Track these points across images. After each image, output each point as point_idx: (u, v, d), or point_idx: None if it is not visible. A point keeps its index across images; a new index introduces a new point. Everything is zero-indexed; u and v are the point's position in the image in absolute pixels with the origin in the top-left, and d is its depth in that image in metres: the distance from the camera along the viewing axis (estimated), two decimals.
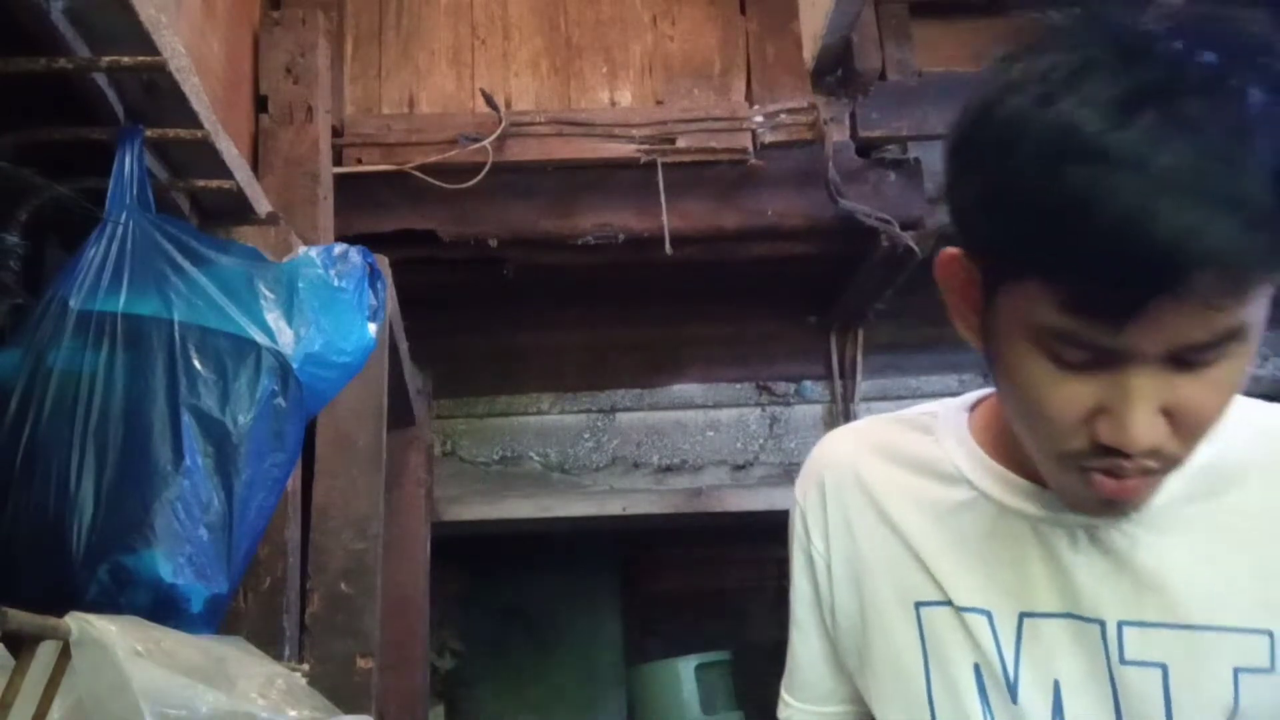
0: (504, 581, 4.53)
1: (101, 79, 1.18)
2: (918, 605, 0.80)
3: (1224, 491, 0.75)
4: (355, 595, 1.67)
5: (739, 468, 3.11)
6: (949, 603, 0.79)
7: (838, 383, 3.17)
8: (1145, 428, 0.63)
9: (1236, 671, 0.71)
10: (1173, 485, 0.73)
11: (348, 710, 1.07)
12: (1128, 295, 0.59)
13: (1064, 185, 0.58)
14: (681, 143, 2.36)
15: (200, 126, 1.28)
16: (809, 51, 2.40)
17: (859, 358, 3.15)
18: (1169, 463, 0.67)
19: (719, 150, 2.37)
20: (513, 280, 2.61)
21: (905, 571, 0.81)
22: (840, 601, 0.86)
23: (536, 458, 3.14)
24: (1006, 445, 0.79)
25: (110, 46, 1.14)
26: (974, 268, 0.70)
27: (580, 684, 4.58)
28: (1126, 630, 0.73)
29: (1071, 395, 0.65)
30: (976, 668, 0.77)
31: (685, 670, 3.97)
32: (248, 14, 1.89)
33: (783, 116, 2.38)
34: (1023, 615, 0.76)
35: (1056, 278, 0.61)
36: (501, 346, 3.16)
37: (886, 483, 0.85)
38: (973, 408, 0.85)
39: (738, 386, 3.19)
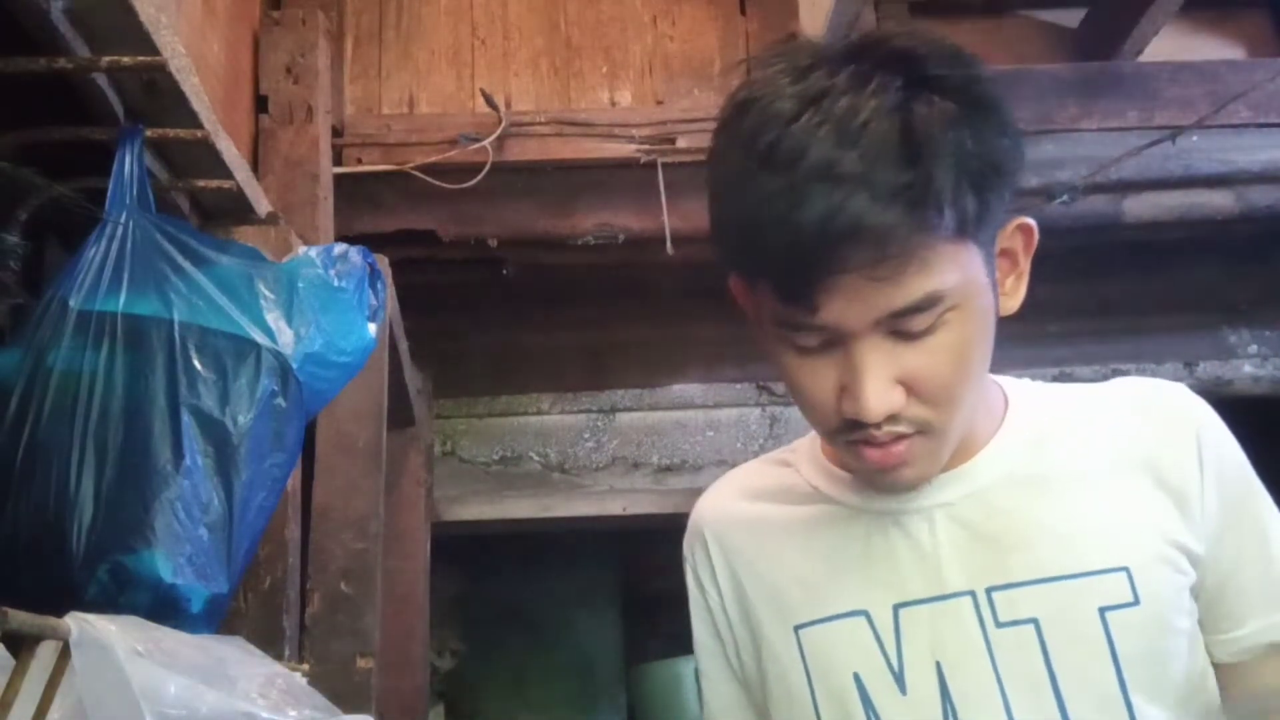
0: (504, 581, 4.52)
1: (101, 79, 1.18)
2: (796, 628, 0.83)
3: (1063, 448, 0.81)
4: (355, 595, 1.67)
5: None
6: (824, 618, 0.82)
7: None
8: (877, 397, 0.69)
9: (1102, 611, 0.76)
10: (1013, 453, 0.81)
11: (348, 710, 1.06)
12: (804, 277, 0.66)
13: (746, 192, 0.67)
14: (682, 143, 2.36)
15: (200, 126, 1.28)
16: None
17: None
18: (924, 427, 0.73)
19: None
20: (513, 280, 2.61)
21: (784, 597, 0.85)
22: (740, 640, 0.89)
23: (536, 458, 3.13)
24: None
25: (110, 46, 1.14)
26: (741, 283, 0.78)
27: (580, 684, 4.58)
28: (995, 595, 0.77)
29: (817, 377, 0.72)
30: (856, 676, 0.80)
31: (685, 670, 3.96)
32: (248, 14, 1.89)
33: None
34: (896, 607, 0.79)
35: (763, 274, 0.70)
36: (501, 346, 3.16)
37: (756, 519, 0.89)
38: None
39: (738, 386, 3.19)
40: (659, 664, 4.07)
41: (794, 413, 3.18)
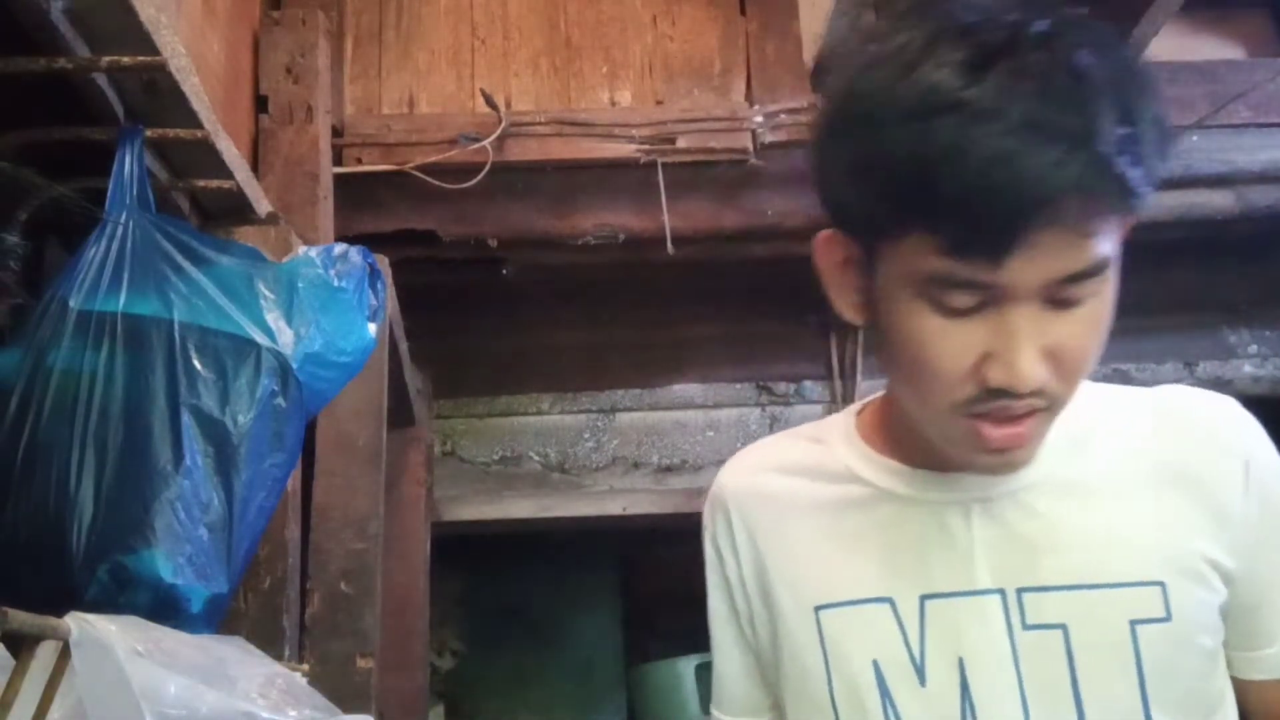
0: (504, 581, 4.52)
1: (101, 79, 1.18)
2: (817, 609, 0.82)
3: (1104, 453, 0.80)
4: (355, 595, 1.67)
5: None
6: (848, 601, 0.81)
7: (838, 383, 3.17)
8: (1031, 365, 0.67)
9: (1133, 624, 0.75)
10: (1054, 453, 0.78)
11: (348, 710, 1.07)
12: (1004, 229, 0.64)
13: (932, 138, 0.63)
14: (681, 143, 2.36)
15: (200, 126, 1.28)
16: (809, 52, 2.40)
17: (859, 358, 3.14)
18: (1053, 402, 0.71)
19: (719, 150, 2.37)
20: (513, 280, 2.61)
21: (805, 577, 0.84)
22: (756, 613, 0.88)
23: (536, 458, 3.13)
24: (893, 439, 0.84)
25: (110, 46, 1.14)
26: (850, 243, 0.74)
27: (580, 684, 4.58)
28: (1025, 596, 0.76)
29: (959, 343, 0.69)
30: (875, 664, 0.79)
31: (685, 670, 3.96)
32: (248, 14, 1.89)
33: (783, 116, 2.38)
34: (923, 598, 0.79)
35: (935, 225, 0.66)
36: (501, 346, 3.16)
37: (783, 494, 0.88)
38: (860, 412, 0.89)
39: (738, 386, 3.19)
40: (659, 664, 4.07)
41: (794, 413, 3.18)
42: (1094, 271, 0.67)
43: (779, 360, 3.20)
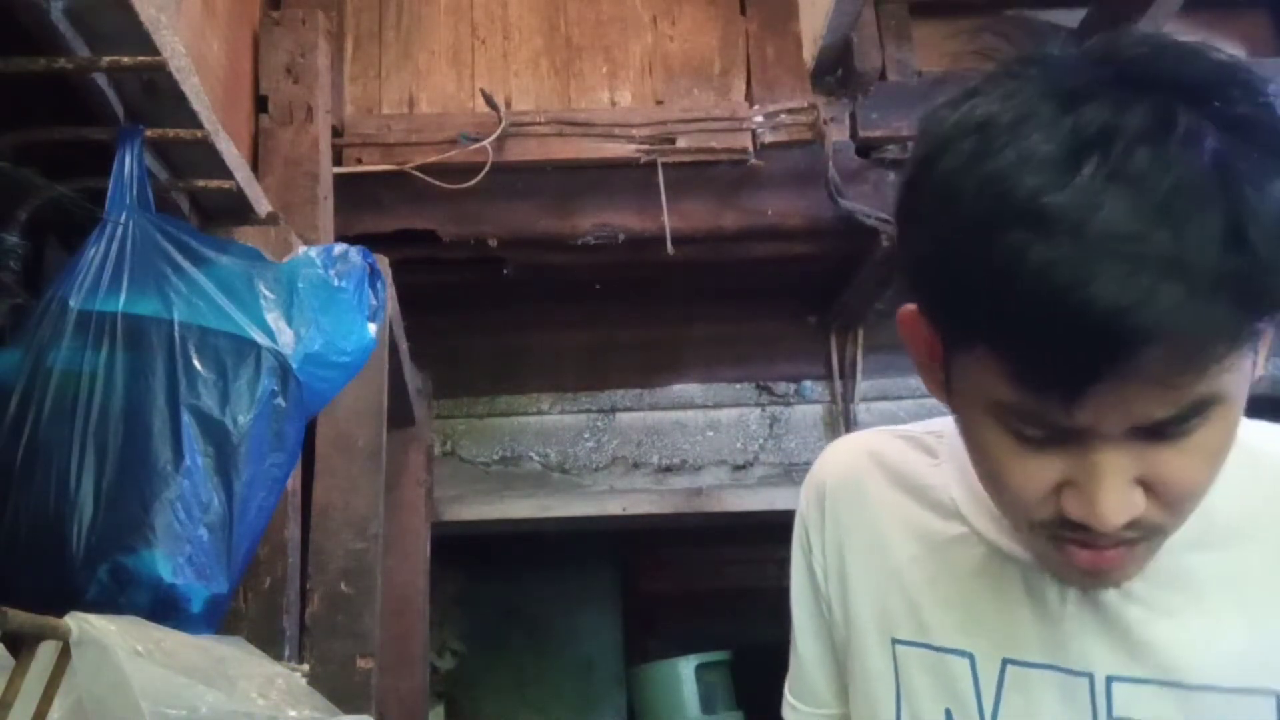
0: (504, 581, 4.52)
1: (101, 79, 1.18)
2: (894, 642, 0.78)
3: (1232, 542, 0.69)
4: (355, 595, 1.67)
5: (739, 468, 3.11)
6: (927, 644, 0.76)
7: (838, 383, 3.17)
8: (1116, 504, 0.58)
9: None
10: (1172, 542, 0.66)
11: (348, 710, 1.07)
12: (1072, 373, 0.53)
13: (998, 250, 0.53)
14: (681, 143, 2.36)
15: (200, 126, 1.28)
16: (809, 51, 2.40)
17: (859, 358, 3.15)
18: (1153, 532, 0.62)
19: (719, 150, 2.37)
20: (513, 280, 2.61)
21: (888, 603, 0.79)
22: (835, 613, 0.85)
23: (536, 458, 3.14)
24: None
25: (110, 46, 1.14)
26: (932, 326, 0.65)
27: (580, 684, 4.58)
28: (1116, 686, 0.69)
29: (1034, 470, 0.60)
30: (948, 712, 0.74)
31: (685, 670, 3.97)
32: (248, 14, 1.90)
33: (783, 116, 2.38)
34: (1006, 661, 0.73)
35: (1000, 348, 0.56)
36: (501, 346, 3.16)
37: (883, 506, 0.82)
38: None
39: (738, 386, 3.19)
40: (659, 664, 4.07)
41: (794, 412, 3.19)
42: (1198, 410, 0.56)
43: (779, 360, 3.20)
